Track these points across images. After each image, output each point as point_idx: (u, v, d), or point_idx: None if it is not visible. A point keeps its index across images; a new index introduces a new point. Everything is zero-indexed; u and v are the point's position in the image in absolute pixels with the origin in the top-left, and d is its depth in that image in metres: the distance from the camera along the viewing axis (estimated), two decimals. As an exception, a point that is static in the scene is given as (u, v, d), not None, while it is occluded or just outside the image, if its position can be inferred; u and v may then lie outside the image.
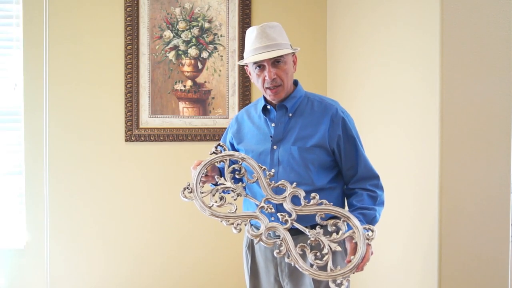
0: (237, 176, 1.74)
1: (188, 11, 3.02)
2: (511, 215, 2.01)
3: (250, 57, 1.73)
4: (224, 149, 1.75)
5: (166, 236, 3.03)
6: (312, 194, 1.65)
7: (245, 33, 3.10)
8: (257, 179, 1.70)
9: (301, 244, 1.61)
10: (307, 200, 1.65)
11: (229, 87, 3.06)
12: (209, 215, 1.67)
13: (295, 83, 1.84)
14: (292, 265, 1.61)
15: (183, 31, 3.01)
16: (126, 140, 2.97)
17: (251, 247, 1.89)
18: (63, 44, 2.89)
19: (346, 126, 1.77)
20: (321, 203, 1.64)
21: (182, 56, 3.02)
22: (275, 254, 1.62)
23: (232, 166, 1.73)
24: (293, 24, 3.10)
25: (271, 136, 1.79)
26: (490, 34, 1.97)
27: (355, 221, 1.62)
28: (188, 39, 3.02)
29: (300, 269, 1.59)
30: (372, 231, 1.61)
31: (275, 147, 1.77)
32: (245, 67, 1.85)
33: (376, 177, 1.79)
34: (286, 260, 1.61)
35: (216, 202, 1.69)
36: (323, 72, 3.16)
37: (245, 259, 1.93)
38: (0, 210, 2.90)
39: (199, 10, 3.02)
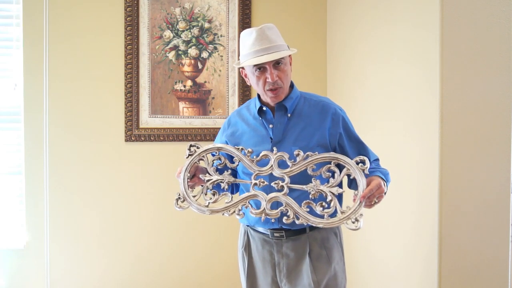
0: (219, 167, 1.76)
1: (188, 11, 3.01)
2: (511, 215, 2.01)
3: (251, 59, 1.70)
4: (198, 148, 1.76)
5: (166, 236, 3.03)
6: (295, 152, 1.67)
7: (245, 33, 3.14)
8: (239, 161, 1.72)
9: (306, 201, 1.64)
10: (293, 160, 1.67)
11: (229, 87, 3.06)
12: (210, 214, 1.71)
13: (290, 84, 1.83)
14: (305, 224, 1.65)
15: (183, 31, 3.01)
16: (126, 140, 2.97)
17: (247, 248, 1.88)
18: (63, 44, 2.89)
19: (346, 124, 1.80)
20: (307, 157, 1.66)
21: (182, 56, 3.02)
22: (284, 221, 1.63)
23: (212, 160, 1.76)
24: (293, 24, 3.10)
25: (270, 138, 1.78)
26: (490, 34, 1.97)
27: (344, 158, 1.65)
28: (188, 39, 3.02)
29: (315, 225, 1.62)
30: (364, 162, 1.62)
31: (275, 148, 1.77)
32: (240, 69, 1.83)
33: (378, 159, 1.84)
34: (297, 222, 1.62)
35: (210, 199, 1.72)
36: (323, 72, 3.16)
37: (241, 261, 1.92)
38: (0, 210, 2.90)
39: (199, 10, 3.02)
